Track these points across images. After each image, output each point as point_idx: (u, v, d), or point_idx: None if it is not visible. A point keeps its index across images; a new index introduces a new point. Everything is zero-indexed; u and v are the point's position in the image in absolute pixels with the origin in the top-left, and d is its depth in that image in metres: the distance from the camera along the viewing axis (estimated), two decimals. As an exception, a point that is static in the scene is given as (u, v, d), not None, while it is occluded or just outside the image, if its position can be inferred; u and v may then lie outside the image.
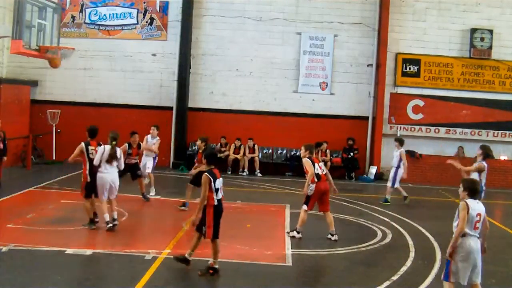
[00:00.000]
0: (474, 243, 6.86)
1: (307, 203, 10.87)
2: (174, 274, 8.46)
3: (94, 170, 10.75)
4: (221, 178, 8.42)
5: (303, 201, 10.99)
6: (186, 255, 8.53)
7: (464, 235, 6.81)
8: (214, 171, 8.36)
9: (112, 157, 10.65)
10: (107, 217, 10.73)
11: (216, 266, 8.36)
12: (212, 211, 8.27)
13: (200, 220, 8.33)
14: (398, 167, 15.15)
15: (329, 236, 10.90)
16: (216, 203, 8.28)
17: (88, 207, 10.93)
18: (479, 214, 6.88)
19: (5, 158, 14.48)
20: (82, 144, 10.83)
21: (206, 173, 8.29)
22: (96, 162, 10.64)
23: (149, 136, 14.71)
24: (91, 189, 10.84)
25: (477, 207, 6.90)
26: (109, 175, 10.75)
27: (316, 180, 10.72)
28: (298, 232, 10.88)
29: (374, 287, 8.16)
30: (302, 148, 11.06)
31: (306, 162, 10.83)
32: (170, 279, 8.29)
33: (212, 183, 8.22)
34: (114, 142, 10.73)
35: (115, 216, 10.94)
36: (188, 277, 8.42)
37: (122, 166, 11.24)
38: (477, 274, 6.94)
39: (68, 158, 11.11)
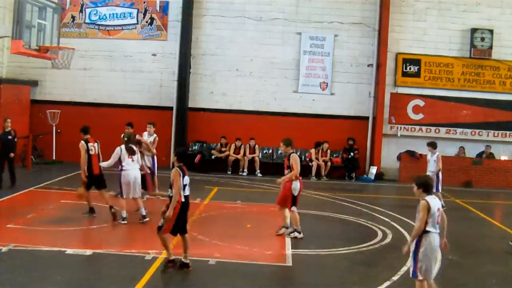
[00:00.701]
0: (438, 239, 7.00)
1: (294, 203, 10.77)
2: (174, 274, 8.45)
3: (92, 165, 11.63)
4: (188, 177, 8.51)
5: (288, 203, 10.79)
6: (182, 259, 8.54)
7: (427, 232, 6.88)
8: (183, 167, 8.50)
9: (130, 151, 11.35)
10: (124, 213, 11.29)
11: (172, 258, 8.41)
12: (179, 207, 8.32)
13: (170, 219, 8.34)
14: (439, 170, 14.70)
15: (283, 230, 10.90)
16: (183, 199, 8.37)
17: (88, 197, 11.72)
18: (438, 209, 6.99)
19: (12, 155, 14.82)
20: (83, 142, 11.67)
21: (176, 168, 8.40)
22: (110, 162, 11.37)
23: (145, 133, 14.37)
24: (90, 182, 11.71)
25: (435, 202, 7.00)
26: (132, 171, 11.40)
27: (300, 178, 10.76)
28: (299, 232, 10.86)
29: (374, 287, 8.15)
30: (283, 144, 10.90)
31: (296, 159, 10.69)
32: (170, 279, 8.29)
33: (181, 179, 8.26)
34: (126, 139, 11.51)
35: (144, 213, 11.48)
36: (188, 277, 8.41)
37: (140, 162, 11.86)
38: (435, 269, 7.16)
39: (80, 163, 11.68)
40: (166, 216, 8.29)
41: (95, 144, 11.82)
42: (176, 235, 8.55)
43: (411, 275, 7.08)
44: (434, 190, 14.34)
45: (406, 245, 7.06)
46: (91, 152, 11.65)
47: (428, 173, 14.73)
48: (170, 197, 8.42)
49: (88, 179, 11.69)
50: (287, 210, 10.95)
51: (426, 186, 7.00)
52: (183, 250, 8.56)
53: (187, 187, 8.47)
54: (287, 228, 10.92)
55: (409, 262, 7.08)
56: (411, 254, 7.01)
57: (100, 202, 12.54)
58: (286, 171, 10.87)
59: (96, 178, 11.78)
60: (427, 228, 6.87)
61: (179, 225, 8.38)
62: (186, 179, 8.45)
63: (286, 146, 10.89)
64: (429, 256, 6.88)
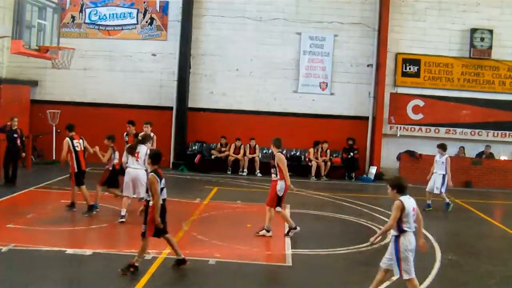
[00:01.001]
0: (414, 238, 7.13)
1: (279, 204, 10.67)
2: (174, 274, 8.46)
3: (80, 161, 12.08)
4: (164, 179, 8.42)
5: (273, 204, 10.71)
6: (177, 257, 8.52)
7: (404, 232, 7.01)
8: (158, 171, 8.38)
9: (128, 150, 11.60)
10: (124, 211, 11.29)
11: (137, 264, 8.28)
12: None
13: (159, 223, 8.24)
14: (446, 173, 14.61)
15: (263, 231, 10.81)
16: (161, 202, 8.27)
17: (86, 194, 11.94)
18: (414, 209, 7.10)
19: (23, 155, 15.65)
20: (68, 139, 12.11)
21: (152, 174, 8.27)
22: (124, 161, 11.75)
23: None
24: (79, 178, 12.10)
25: (410, 202, 7.10)
26: (133, 170, 11.48)
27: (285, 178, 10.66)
28: (294, 228, 10.77)
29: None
30: (271, 144, 10.92)
31: (280, 158, 10.64)
32: (170, 279, 8.30)
33: (159, 183, 8.20)
34: (140, 138, 11.95)
35: None
36: (188, 277, 8.42)
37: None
38: None
39: (60, 158, 12.46)
40: (157, 224, 8.21)
41: (80, 141, 12.30)
42: (160, 237, 8.44)
43: (399, 277, 7.16)
44: (438, 192, 14.52)
45: (374, 236, 7.26)
46: (77, 149, 12.11)
47: (433, 174, 14.76)
48: (147, 201, 8.34)
49: (78, 175, 12.08)
50: (271, 212, 10.85)
51: (399, 187, 7.13)
52: (172, 249, 8.54)
53: (164, 190, 8.39)
54: (268, 231, 10.82)
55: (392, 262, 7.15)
56: (394, 257, 7.08)
57: (105, 202, 12.61)
58: (272, 170, 10.89)
59: (83, 173, 12.22)
60: (404, 228, 7.02)
61: (159, 228, 8.30)
62: (163, 182, 8.37)
63: (273, 146, 10.90)
64: (409, 255, 7.03)
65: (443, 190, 14.68)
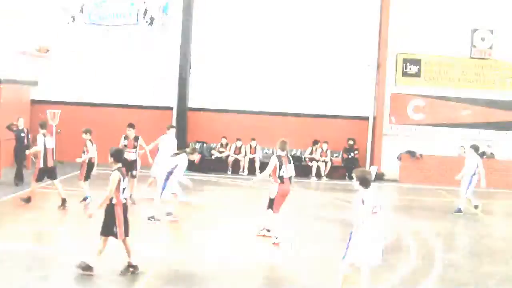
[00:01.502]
0: (371, 229, 7.15)
1: (271, 206, 10.49)
2: (174, 274, 8.45)
3: (47, 157, 12.43)
4: (126, 178, 8.33)
5: (266, 205, 10.60)
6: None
7: (362, 223, 7.12)
8: (122, 169, 8.29)
9: (176, 155, 11.99)
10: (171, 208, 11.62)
11: (134, 263, 8.23)
12: (121, 210, 8.12)
13: (107, 222, 8.10)
14: (474, 174, 14.25)
15: (263, 231, 10.78)
16: (123, 201, 8.18)
17: (34, 189, 12.49)
18: (373, 202, 7.17)
19: (27, 152, 15.82)
20: (41, 135, 12.61)
21: (116, 171, 8.13)
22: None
23: (164, 136, 13.99)
24: (43, 174, 12.51)
25: (371, 196, 7.19)
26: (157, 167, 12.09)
27: (278, 181, 10.43)
28: (276, 237, 10.46)
29: (374, 287, 8.14)
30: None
31: (271, 160, 10.58)
32: (170, 279, 8.28)
33: (121, 182, 8.12)
34: (187, 150, 12.17)
35: (151, 214, 11.49)
36: (188, 277, 8.41)
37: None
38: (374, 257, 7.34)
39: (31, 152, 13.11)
40: (89, 214, 8.33)
41: (52, 139, 12.90)
42: (128, 236, 8.26)
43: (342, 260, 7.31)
44: (465, 193, 14.27)
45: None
46: (47, 146, 12.48)
47: (461, 173, 14.50)
48: (111, 200, 8.14)
49: (42, 171, 12.41)
50: (269, 213, 10.69)
51: (363, 180, 7.23)
52: (99, 252, 8.26)
53: (126, 190, 8.26)
54: (268, 231, 10.75)
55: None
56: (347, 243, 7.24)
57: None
58: None
59: (49, 170, 12.53)
60: (361, 219, 7.12)
61: (127, 227, 8.20)
62: (125, 182, 8.24)
63: (277, 148, 10.83)
64: (361, 246, 7.14)
65: (469, 192, 14.30)
